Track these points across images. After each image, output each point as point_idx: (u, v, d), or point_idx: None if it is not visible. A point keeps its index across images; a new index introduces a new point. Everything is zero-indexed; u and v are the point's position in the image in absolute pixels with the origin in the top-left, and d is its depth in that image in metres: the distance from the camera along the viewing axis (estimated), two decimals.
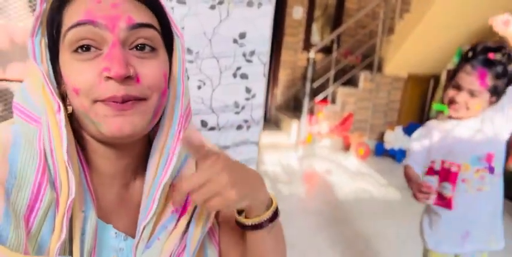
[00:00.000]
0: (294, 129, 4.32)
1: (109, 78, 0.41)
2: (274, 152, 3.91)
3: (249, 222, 0.50)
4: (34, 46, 0.44)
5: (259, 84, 1.06)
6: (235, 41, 1.02)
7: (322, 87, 4.39)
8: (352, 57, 4.59)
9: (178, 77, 0.48)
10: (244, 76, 1.05)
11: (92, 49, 0.42)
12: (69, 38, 0.41)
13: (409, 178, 1.29)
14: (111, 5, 0.42)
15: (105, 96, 0.41)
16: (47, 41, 0.45)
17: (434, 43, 3.85)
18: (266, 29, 1.04)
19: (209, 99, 1.05)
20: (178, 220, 0.52)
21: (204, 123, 1.05)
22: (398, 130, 4.17)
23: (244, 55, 1.04)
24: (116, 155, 0.50)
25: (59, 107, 0.43)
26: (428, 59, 4.09)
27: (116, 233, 0.50)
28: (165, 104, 0.48)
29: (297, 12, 4.74)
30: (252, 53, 1.04)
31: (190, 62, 1.01)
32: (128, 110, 0.43)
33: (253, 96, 1.07)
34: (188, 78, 1.02)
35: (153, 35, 0.44)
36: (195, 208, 0.53)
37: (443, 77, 3.97)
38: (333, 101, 4.35)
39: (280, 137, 4.50)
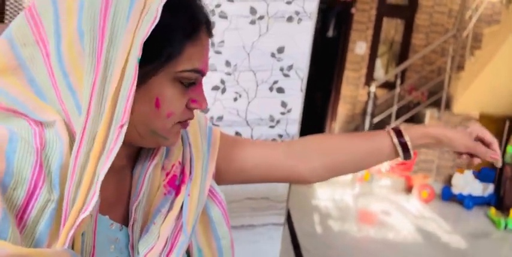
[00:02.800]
0: None
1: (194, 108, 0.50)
2: (328, 188, 3.76)
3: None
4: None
5: (295, 99, 1.05)
6: (273, 55, 1.03)
7: (384, 123, 4.23)
8: (417, 94, 4.40)
9: None
10: (280, 90, 1.05)
11: None
12: (184, 76, 0.47)
13: None
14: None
15: (183, 119, 0.50)
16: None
17: (508, 82, 3.58)
18: (306, 44, 1.04)
19: (244, 112, 1.05)
20: (173, 201, 0.52)
21: (238, 135, 1.05)
22: (469, 173, 3.84)
23: (281, 69, 1.04)
24: (129, 153, 0.52)
25: (124, 122, 0.43)
26: (502, 98, 3.79)
27: (112, 224, 0.50)
28: None
29: (360, 48, 4.72)
30: (290, 67, 1.04)
31: (228, 74, 1.03)
32: None
33: (289, 110, 1.06)
34: (225, 90, 1.04)
35: None
36: (187, 186, 0.54)
37: None
38: None
39: None
